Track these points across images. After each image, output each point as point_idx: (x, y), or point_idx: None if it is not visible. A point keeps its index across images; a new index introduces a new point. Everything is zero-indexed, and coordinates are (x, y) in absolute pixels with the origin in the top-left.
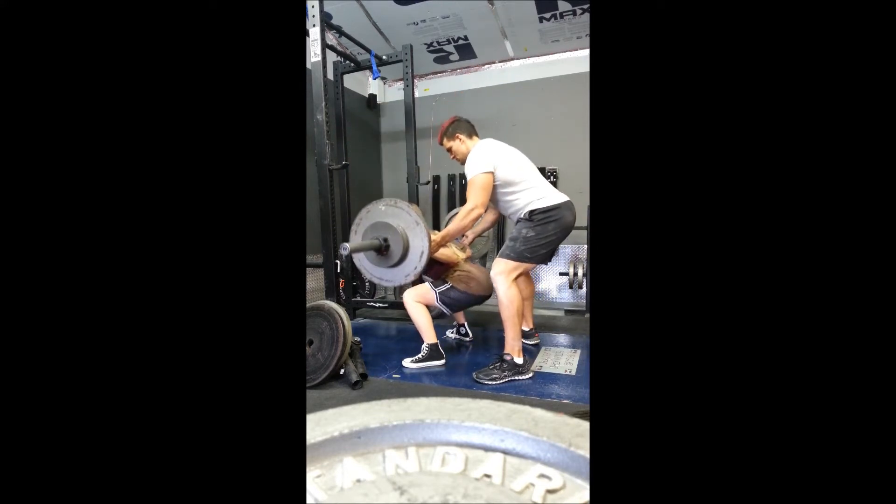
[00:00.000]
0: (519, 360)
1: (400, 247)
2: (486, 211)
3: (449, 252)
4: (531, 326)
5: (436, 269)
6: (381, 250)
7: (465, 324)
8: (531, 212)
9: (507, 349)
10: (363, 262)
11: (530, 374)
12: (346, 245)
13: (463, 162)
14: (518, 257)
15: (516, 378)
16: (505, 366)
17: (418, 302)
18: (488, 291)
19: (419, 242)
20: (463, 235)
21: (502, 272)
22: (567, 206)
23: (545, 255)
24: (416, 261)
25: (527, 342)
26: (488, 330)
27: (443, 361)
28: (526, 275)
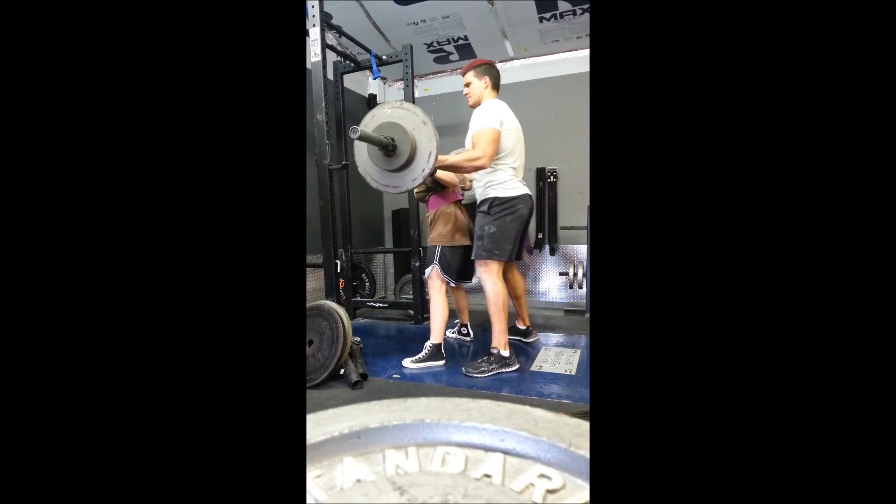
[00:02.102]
0: (506, 352)
1: (408, 147)
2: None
3: (451, 175)
4: (528, 325)
5: (433, 199)
6: (389, 149)
7: (468, 323)
8: (491, 202)
9: (495, 342)
10: (368, 168)
11: (517, 366)
12: (356, 128)
13: (472, 105)
14: (489, 255)
15: (503, 370)
16: (492, 359)
17: (440, 291)
18: (471, 240)
19: (427, 144)
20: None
21: (484, 271)
22: (524, 199)
23: (512, 250)
24: (423, 163)
25: (524, 340)
26: (489, 330)
27: (442, 362)
28: (516, 272)
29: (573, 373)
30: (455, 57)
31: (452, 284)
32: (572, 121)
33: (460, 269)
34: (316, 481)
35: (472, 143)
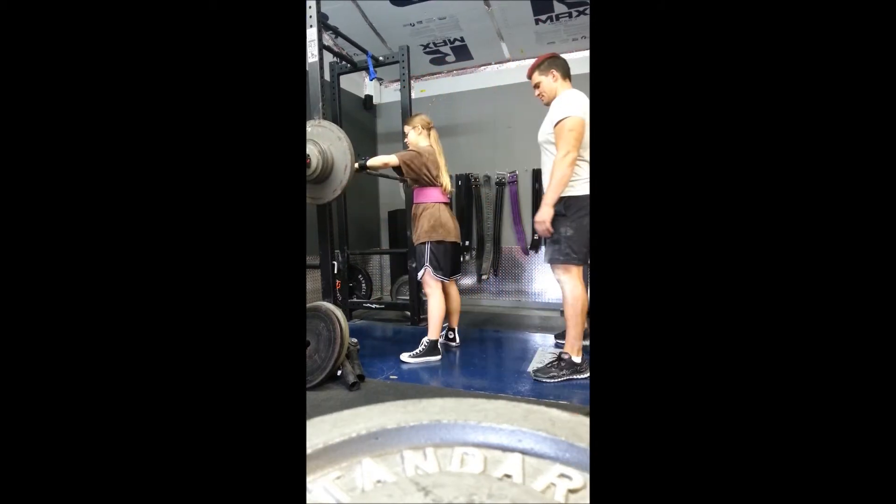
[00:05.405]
0: (577, 358)
1: (321, 161)
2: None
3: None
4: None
5: (417, 190)
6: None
7: (456, 328)
8: (566, 201)
9: (567, 348)
10: None
11: (588, 374)
12: None
13: (547, 103)
14: (567, 260)
15: (575, 377)
16: (563, 364)
17: (437, 289)
18: (458, 237)
19: (342, 157)
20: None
21: (563, 274)
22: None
23: (588, 253)
24: (341, 174)
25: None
26: (485, 331)
27: (439, 357)
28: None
29: None
30: (451, 58)
31: (446, 281)
32: None
33: (451, 266)
34: (336, 482)
35: (555, 136)
